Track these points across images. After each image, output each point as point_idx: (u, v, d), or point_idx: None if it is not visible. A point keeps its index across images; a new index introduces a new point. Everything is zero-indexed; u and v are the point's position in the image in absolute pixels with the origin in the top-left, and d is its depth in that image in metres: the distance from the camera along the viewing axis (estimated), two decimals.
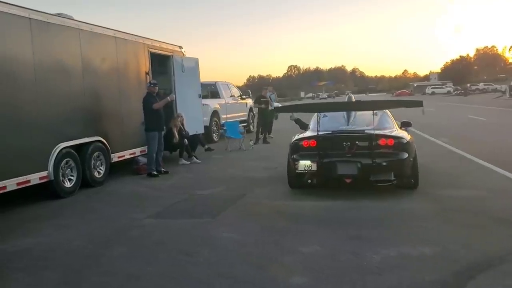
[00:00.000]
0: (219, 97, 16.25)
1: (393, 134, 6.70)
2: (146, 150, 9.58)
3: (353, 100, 8.14)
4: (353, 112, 7.22)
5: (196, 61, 12.56)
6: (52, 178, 7.19)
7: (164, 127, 9.88)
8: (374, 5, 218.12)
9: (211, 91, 16.25)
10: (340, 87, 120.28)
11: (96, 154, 8.38)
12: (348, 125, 7.04)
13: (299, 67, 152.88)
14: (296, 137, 7.20)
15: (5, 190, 6.42)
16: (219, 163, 10.71)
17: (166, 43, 11.51)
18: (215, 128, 15.21)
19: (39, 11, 7.27)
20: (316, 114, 7.90)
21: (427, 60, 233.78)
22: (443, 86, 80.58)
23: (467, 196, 6.36)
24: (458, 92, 66.17)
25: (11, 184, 6.50)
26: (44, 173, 7.08)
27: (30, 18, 6.99)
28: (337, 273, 3.95)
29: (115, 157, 8.99)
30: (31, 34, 7.00)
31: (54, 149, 7.29)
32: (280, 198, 6.82)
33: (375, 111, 7.34)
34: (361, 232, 4.99)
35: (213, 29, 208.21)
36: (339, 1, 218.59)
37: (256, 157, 11.48)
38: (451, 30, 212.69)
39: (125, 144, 9.43)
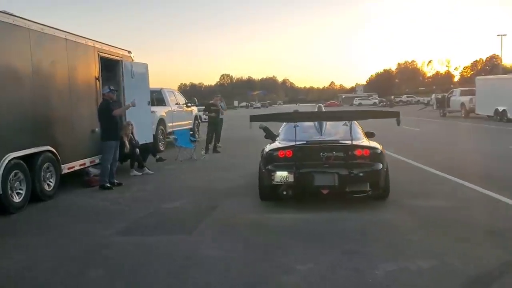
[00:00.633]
0: (165, 105, 15.69)
1: (368, 144, 6.69)
2: (99, 160, 8.94)
3: (323, 110, 8.09)
4: (324, 123, 7.13)
5: (145, 66, 12.03)
6: (0, 192, 6.45)
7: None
8: (302, 19, 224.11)
9: (156, 98, 15.63)
10: (272, 97, 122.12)
11: (46, 165, 7.67)
12: (321, 135, 6.93)
13: (231, 76, 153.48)
14: (270, 147, 6.99)
15: None
16: (175, 174, 10.25)
17: (116, 47, 10.89)
18: (161, 137, 14.66)
19: None
20: (285, 123, 7.76)
21: (352, 73, 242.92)
22: (369, 98, 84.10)
23: (438, 206, 6.44)
24: (384, 103, 69.36)
25: None
26: None
27: None
28: None
29: (65, 168, 8.29)
30: None
31: (2, 160, 6.56)
32: (254, 211, 6.56)
33: (345, 122, 7.36)
34: (351, 246, 4.85)
35: (143, 33, 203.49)
36: (270, 14, 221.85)
37: (212, 167, 11.14)
38: (373, 44, 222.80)
39: (76, 154, 8.74)
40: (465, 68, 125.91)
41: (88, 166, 9.18)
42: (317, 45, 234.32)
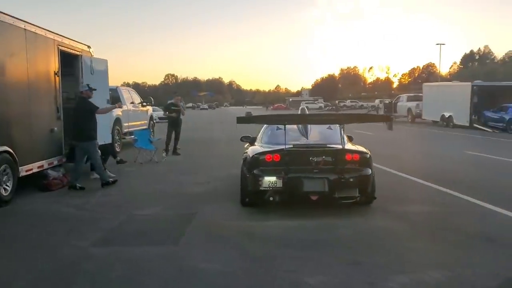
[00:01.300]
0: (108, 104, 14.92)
1: (358, 149, 6.53)
2: (92, 161, 8.66)
3: (307, 112, 7.84)
4: (309, 126, 6.91)
5: (105, 63, 11.35)
6: None
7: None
8: (249, 22, 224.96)
9: (112, 96, 14.79)
10: (218, 99, 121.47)
11: (2, 167, 6.94)
12: (307, 138, 6.69)
13: (176, 76, 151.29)
14: (254, 150, 6.65)
15: None
16: (138, 178, 9.69)
17: (75, 41, 10.17)
18: (117, 137, 13.93)
19: None
20: (265, 126, 7.47)
21: (298, 77, 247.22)
22: (315, 102, 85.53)
23: (424, 212, 6.40)
24: (330, 108, 70.74)
25: None
26: None
27: None
28: None
29: (23, 171, 7.56)
30: None
31: None
32: (238, 218, 6.22)
33: (329, 125, 7.20)
34: (354, 256, 4.62)
35: (84, 30, 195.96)
36: (217, 15, 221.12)
37: (176, 170, 10.66)
38: (317, 50, 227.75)
39: (34, 156, 8.01)
40: (403, 75, 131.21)
41: (47, 168, 8.45)
42: (263, 49, 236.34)
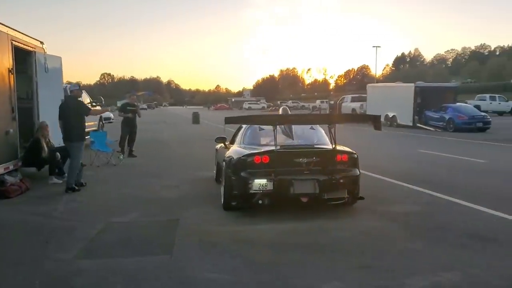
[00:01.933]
0: None
1: (346, 149, 6.45)
2: (73, 162, 8.16)
3: (289, 112, 7.67)
4: (293, 127, 6.75)
5: (59, 60, 10.67)
6: None
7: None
8: (188, 21, 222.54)
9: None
10: (157, 98, 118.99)
11: None
12: (293, 139, 6.52)
13: (112, 75, 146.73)
14: (240, 152, 6.39)
15: None
16: (102, 182, 9.14)
17: (29, 36, 9.44)
18: None
19: None
20: (245, 126, 7.24)
21: (238, 77, 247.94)
22: (258, 102, 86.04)
23: (411, 212, 6.40)
24: (274, 108, 71.31)
25: None
26: None
27: None
28: None
29: None
30: None
31: None
32: (225, 223, 5.94)
33: (311, 126, 7.10)
34: (360, 259, 4.52)
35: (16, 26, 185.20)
36: (151, 13, 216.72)
37: (138, 173, 10.18)
38: (259, 51, 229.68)
39: None
40: (339, 76, 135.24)
41: (3, 174, 7.75)
42: (202, 48, 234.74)
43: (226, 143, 7.97)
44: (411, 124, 24.84)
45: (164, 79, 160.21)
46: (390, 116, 26.17)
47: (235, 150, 6.69)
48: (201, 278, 4.13)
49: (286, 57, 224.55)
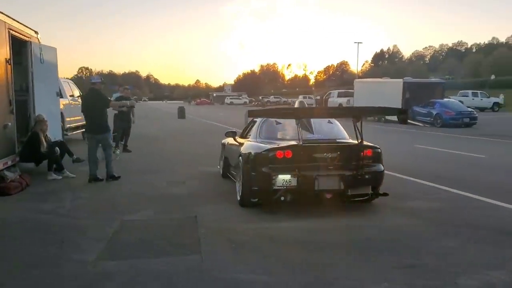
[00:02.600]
0: (62, 97, 13.63)
1: (371, 144, 6.26)
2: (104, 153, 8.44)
3: (306, 106, 7.44)
4: (312, 120, 6.54)
5: (54, 51, 10.22)
6: None
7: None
8: (167, 14, 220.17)
9: None
10: (136, 93, 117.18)
11: None
12: (313, 134, 6.31)
13: (91, 69, 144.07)
14: (260, 146, 6.14)
15: None
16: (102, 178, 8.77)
17: (24, 25, 9.00)
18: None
19: None
20: (261, 120, 6.99)
21: (218, 72, 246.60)
22: (240, 97, 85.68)
23: (432, 208, 6.25)
24: (257, 103, 71.17)
25: None
26: None
27: None
28: None
29: None
30: None
31: None
32: (247, 220, 5.69)
33: (329, 120, 6.92)
34: (401, 258, 4.33)
35: None
36: (129, 7, 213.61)
37: (139, 169, 9.83)
38: (237, 46, 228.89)
39: None
40: (319, 72, 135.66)
41: (2, 170, 7.36)
42: (181, 43, 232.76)
43: (236, 138, 7.73)
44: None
45: (143, 74, 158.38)
46: None
47: (252, 144, 6.45)
48: (238, 279, 3.90)
49: (266, 53, 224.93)
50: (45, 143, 8.45)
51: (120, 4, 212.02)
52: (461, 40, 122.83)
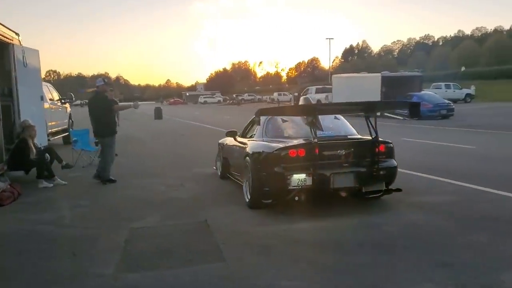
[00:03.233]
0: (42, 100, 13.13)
1: (384, 139, 6.13)
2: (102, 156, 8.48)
3: (312, 102, 7.24)
4: (320, 117, 6.38)
5: (37, 54, 9.81)
6: None
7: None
8: (132, 14, 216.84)
9: None
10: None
11: None
12: (323, 131, 6.14)
13: (58, 72, 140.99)
14: (270, 145, 5.95)
15: None
16: (96, 184, 8.39)
17: (6, 26, 8.55)
18: None
19: None
20: (266, 118, 6.77)
21: (189, 71, 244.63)
22: (213, 96, 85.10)
23: (444, 202, 6.18)
24: (231, 101, 70.79)
25: None
26: None
27: None
28: None
29: None
30: None
31: None
32: (262, 223, 5.48)
33: (335, 116, 6.78)
34: (431, 256, 4.20)
35: None
36: (96, 6, 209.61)
37: (132, 173, 9.51)
38: (207, 44, 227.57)
39: None
40: (290, 69, 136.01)
41: None
42: (150, 42, 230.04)
43: (237, 138, 7.53)
44: (378, 113, 25.10)
45: (113, 75, 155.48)
46: None
47: (260, 144, 6.24)
48: (274, 286, 3.71)
49: (238, 51, 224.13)
50: (34, 150, 8.06)
51: (88, 5, 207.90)
52: (428, 34, 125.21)
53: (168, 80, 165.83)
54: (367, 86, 25.86)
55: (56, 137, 14.25)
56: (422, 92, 26.04)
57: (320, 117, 6.29)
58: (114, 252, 4.65)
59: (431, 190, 7.01)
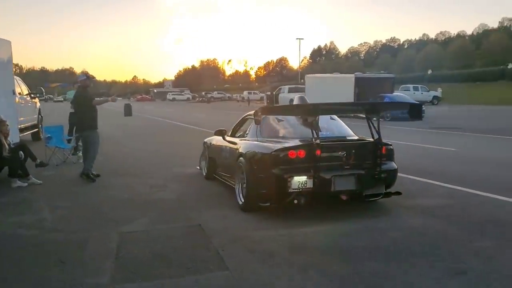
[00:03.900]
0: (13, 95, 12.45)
1: (385, 141, 5.97)
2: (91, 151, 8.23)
3: (307, 102, 7.00)
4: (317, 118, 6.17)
5: (9, 44, 9.25)
6: None
7: None
8: (98, 9, 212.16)
9: None
10: (72, 89, 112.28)
11: None
12: (320, 131, 5.93)
13: (21, 66, 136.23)
14: (267, 146, 5.70)
15: None
16: (74, 183, 7.96)
17: None
18: None
19: None
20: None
21: (156, 68, 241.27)
22: (182, 93, 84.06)
23: (439, 206, 6.11)
24: (201, 99, 70.06)
25: None
26: None
27: None
28: None
29: None
30: None
31: None
32: (258, 227, 5.22)
33: (331, 116, 6.61)
34: (445, 263, 4.05)
35: None
36: (61, 1, 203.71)
37: (110, 172, 9.01)
38: (174, 41, 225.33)
39: None
40: (259, 68, 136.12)
41: None
42: (117, 38, 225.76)
43: (226, 137, 7.26)
44: (351, 114, 25.22)
45: (78, 70, 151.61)
46: None
47: (256, 144, 5.99)
48: None
49: (206, 48, 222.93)
50: (7, 147, 7.56)
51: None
52: (394, 37, 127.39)
53: (135, 76, 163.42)
54: (341, 87, 25.97)
55: (25, 133, 13.59)
56: (394, 93, 26.33)
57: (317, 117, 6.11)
58: (106, 259, 4.33)
59: (425, 193, 6.93)
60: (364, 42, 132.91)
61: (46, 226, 5.44)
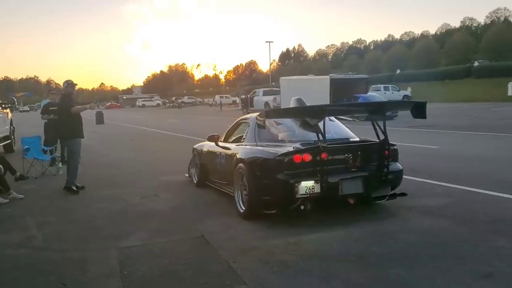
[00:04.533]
0: None
1: (390, 142, 5.83)
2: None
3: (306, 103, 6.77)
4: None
5: None
6: None
7: None
8: (62, 15, 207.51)
9: None
10: (37, 99, 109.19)
11: None
12: (324, 133, 5.73)
13: None
14: (271, 150, 5.48)
15: None
16: (57, 197, 7.57)
17: None
18: None
19: None
20: (252, 121, 6.31)
21: (123, 75, 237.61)
22: (152, 99, 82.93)
23: (443, 205, 6.00)
24: (171, 104, 69.20)
25: None
26: None
27: None
28: None
29: None
30: None
31: None
32: (265, 235, 5.00)
33: (330, 118, 6.46)
34: (469, 267, 3.93)
35: None
36: (25, 9, 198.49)
37: (94, 183, 8.61)
38: (141, 47, 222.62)
39: None
40: (228, 72, 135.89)
41: None
42: (82, 45, 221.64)
43: (219, 143, 7.03)
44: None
45: (43, 79, 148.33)
46: None
47: (256, 149, 5.77)
48: None
49: (174, 53, 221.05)
50: None
51: (14, 4, 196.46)
52: (360, 38, 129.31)
53: (102, 83, 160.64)
54: (316, 88, 25.96)
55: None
56: (368, 93, 26.56)
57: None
58: (111, 278, 4.05)
59: (424, 192, 6.84)
60: (332, 44, 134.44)
61: (37, 245, 5.08)
